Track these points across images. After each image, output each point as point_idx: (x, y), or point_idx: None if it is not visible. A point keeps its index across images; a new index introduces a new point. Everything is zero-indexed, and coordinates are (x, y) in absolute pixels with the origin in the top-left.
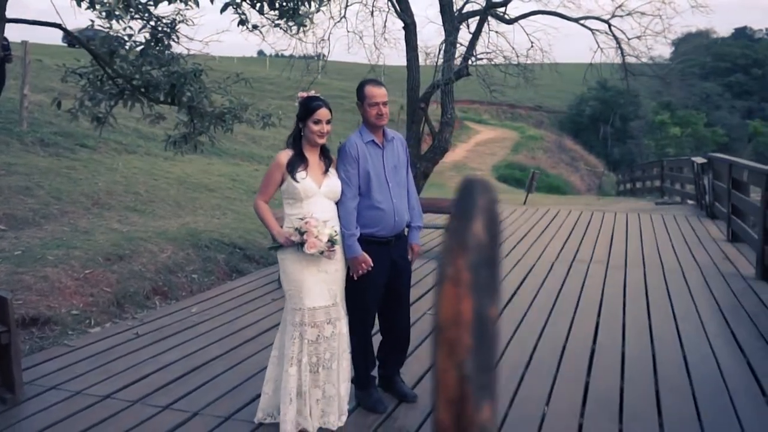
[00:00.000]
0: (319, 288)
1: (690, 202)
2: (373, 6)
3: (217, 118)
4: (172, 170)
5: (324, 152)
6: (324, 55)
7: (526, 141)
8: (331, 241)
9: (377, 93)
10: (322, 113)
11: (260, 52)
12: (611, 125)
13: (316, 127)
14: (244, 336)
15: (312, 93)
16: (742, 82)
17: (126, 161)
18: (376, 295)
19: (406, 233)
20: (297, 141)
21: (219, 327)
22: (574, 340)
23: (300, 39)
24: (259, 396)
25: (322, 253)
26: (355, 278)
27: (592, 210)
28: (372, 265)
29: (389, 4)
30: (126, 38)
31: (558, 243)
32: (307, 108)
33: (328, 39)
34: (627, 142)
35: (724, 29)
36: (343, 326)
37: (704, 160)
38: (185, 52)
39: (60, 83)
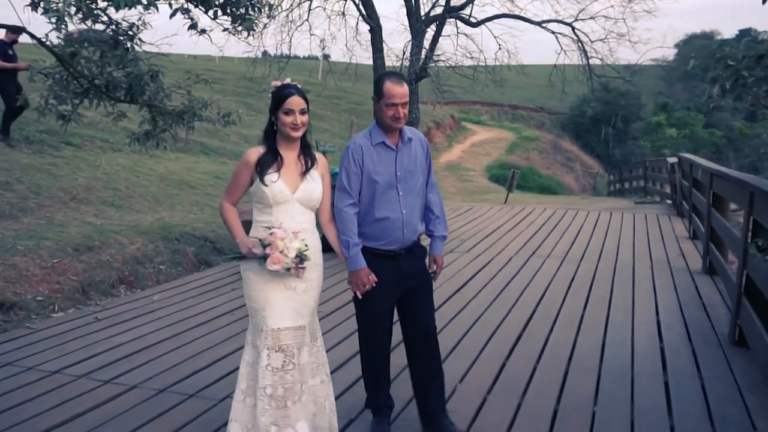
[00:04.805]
0: (286, 307)
1: (668, 201)
2: (344, 9)
3: (177, 116)
4: (156, 167)
5: (305, 151)
6: (327, 56)
7: (522, 141)
8: (300, 257)
9: (398, 93)
10: (294, 101)
11: (264, 53)
12: (612, 126)
13: (288, 119)
14: (197, 320)
15: (287, 81)
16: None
17: (111, 159)
18: (384, 309)
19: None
20: (270, 137)
21: (175, 312)
22: (504, 327)
23: (248, 43)
24: (197, 371)
25: (288, 269)
26: (359, 296)
27: (568, 209)
28: (376, 281)
29: (357, 8)
30: (87, 42)
31: (523, 239)
32: (278, 97)
33: (290, 42)
34: (628, 143)
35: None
36: (310, 354)
37: (676, 160)
38: (147, 53)
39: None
